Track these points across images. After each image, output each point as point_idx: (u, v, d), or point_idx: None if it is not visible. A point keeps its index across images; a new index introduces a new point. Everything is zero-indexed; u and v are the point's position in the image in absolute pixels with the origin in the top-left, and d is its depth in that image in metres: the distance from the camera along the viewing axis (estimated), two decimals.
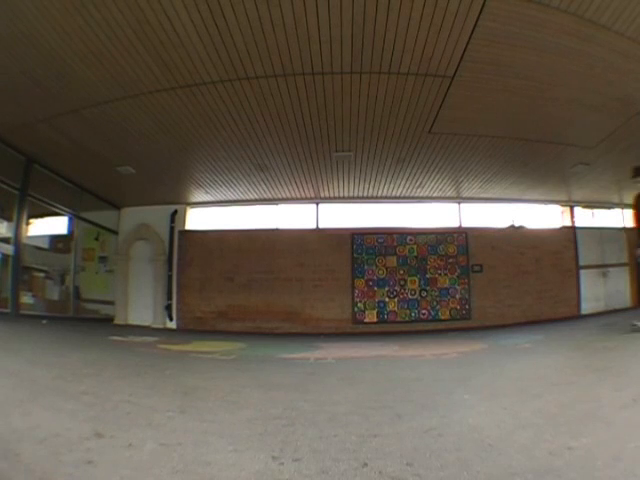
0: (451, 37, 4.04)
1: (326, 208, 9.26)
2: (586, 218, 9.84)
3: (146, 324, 8.63)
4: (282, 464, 1.49)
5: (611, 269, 9.40)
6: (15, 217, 6.68)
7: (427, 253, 8.90)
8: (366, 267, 8.82)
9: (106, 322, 8.67)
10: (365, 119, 5.63)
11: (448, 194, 8.99)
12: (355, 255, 8.85)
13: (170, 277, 8.86)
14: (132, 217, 9.23)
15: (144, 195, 8.74)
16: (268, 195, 8.79)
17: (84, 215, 8.67)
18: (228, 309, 8.72)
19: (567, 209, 9.78)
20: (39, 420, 1.79)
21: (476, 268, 8.86)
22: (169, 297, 8.79)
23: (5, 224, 6.79)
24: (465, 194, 9.01)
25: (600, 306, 9.11)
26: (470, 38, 4.04)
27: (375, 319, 8.65)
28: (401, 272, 8.82)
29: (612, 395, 2.35)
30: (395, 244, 8.91)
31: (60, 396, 2.23)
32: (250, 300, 8.68)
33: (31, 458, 1.41)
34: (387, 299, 8.72)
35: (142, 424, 1.88)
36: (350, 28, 3.91)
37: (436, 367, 3.94)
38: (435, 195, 8.97)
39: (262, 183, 8.07)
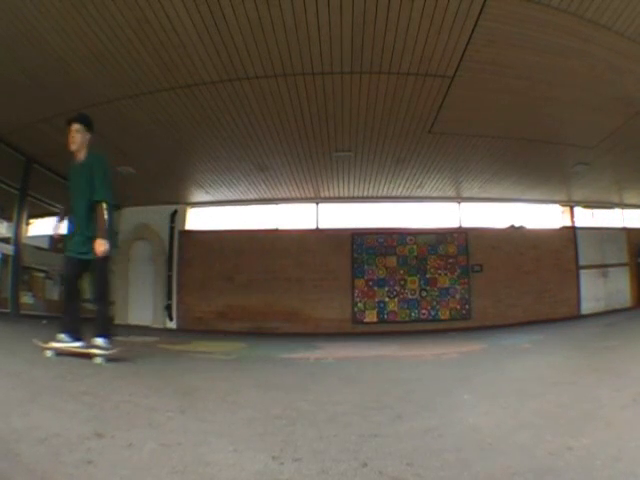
0: (451, 37, 4.04)
1: (326, 208, 9.26)
2: (586, 218, 9.84)
3: (146, 324, 8.62)
4: (282, 464, 1.49)
5: (611, 269, 9.40)
6: (15, 217, 6.68)
7: (427, 253, 8.90)
8: (366, 267, 8.82)
9: None
10: (365, 119, 5.63)
11: (448, 194, 8.99)
12: (355, 255, 8.85)
13: (170, 277, 8.86)
14: (132, 217, 9.22)
15: (144, 195, 8.74)
16: (268, 195, 8.79)
17: None
18: (228, 309, 8.71)
19: (567, 209, 9.78)
20: (39, 420, 1.79)
21: (476, 268, 8.86)
22: (169, 297, 8.79)
23: (5, 224, 6.79)
24: (465, 194, 9.01)
25: (600, 306, 9.10)
26: (470, 38, 4.04)
27: (375, 319, 8.65)
28: (401, 272, 8.82)
29: (612, 395, 2.35)
30: (395, 244, 8.91)
31: (60, 396, 2.23)
32: (250, 300, 8.68)
33: (31, 458, 1.41)
34: (387, 299, 8.72)
35: (142, 424, 1.88)
36: (350, 28, 3.91)
37: (436, 367, 3.94)
38: (435, 195, 8.97)
39: (262, 183, 8.07)
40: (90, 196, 3.55)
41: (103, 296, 3.64)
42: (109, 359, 3.36)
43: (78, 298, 3.67)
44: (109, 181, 3.65)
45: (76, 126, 3.67)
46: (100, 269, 3.58)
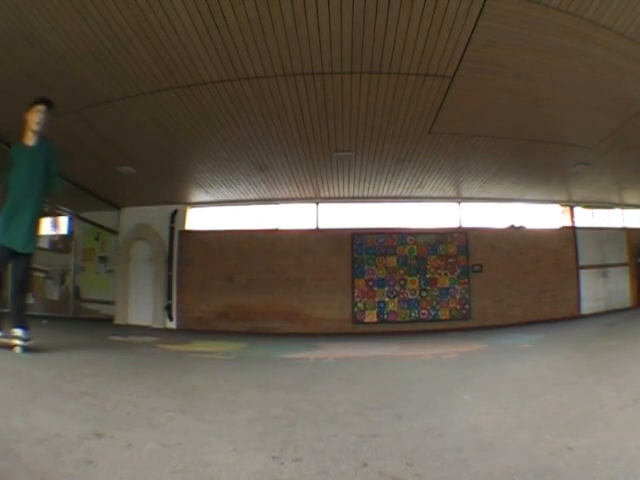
0: (451, 37, 4.03)
1: (326, 208, 9.26)
2: (586, 218, 9.84)
3: (146, 324, 8.62)
4: (282, 464, 1.49)
5: (611, 269, 9.40)
6: None
7: (427, 253, 8.90)
8: (366, 267, 8.82)
9: (106, 322, 8.67)
10: (365, 119, 5.62)
11: (448, 194, 8.99)
12: (355, 255, 8.85)
13: (170, 277, 8.86)
14: (132, 217, 9.22)
15: (144, 195, 8.74)
16: (268, 195, 8.79)
17: (84, 215, 8.67)
18: (228, 309, 8.72)
19: (567, 209, 9.78)
20: (39, 420, 1.79)
21: (476, 268, 8.86)
22: (169, 297, 8.79)
23: None
24: (465, 194, 9.01)
25: (600, 306, 9.11)
26: (470, 38, 4.04)
27: (375, 319, 8.65)
28: (401, 272, 8.81)
29: (612, 395, 2.35)
30: (395, 244, 8.91)
31: (60, 396, 2.23)
32: (250, 300, 8.68)
33: (31, 458, 1.41)
34: (387, 299, 8.72)
35: (142, 424, 1.89)
36: (350, 28, 3.91)
37: (436, 367, 3.94)
38: (435, 195, 8.97)
39: (262, 183, 8.07)
40: (46, 184, 3.60)
41: (24, 288, 3.66)
42: (27, 349, 3.43)
43: (3, 288, 3.68)
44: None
45: (42, 107, 3.72)
46: (25, 261, 3.60)
